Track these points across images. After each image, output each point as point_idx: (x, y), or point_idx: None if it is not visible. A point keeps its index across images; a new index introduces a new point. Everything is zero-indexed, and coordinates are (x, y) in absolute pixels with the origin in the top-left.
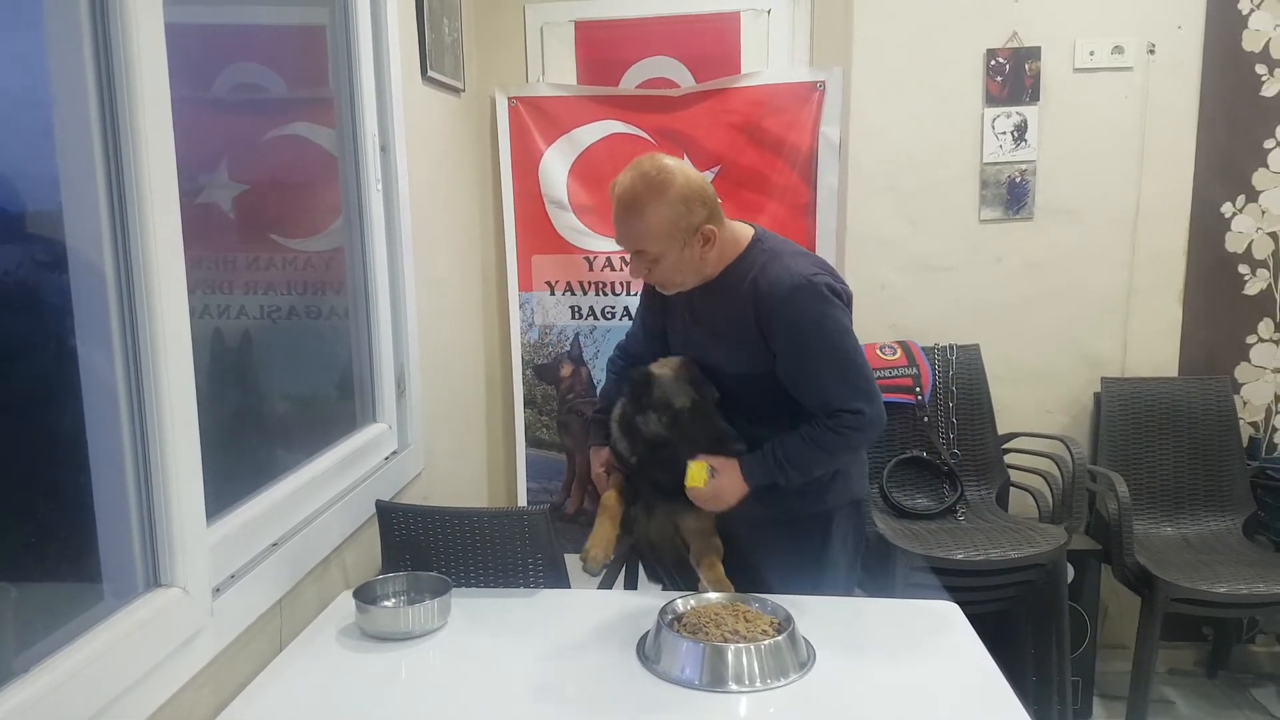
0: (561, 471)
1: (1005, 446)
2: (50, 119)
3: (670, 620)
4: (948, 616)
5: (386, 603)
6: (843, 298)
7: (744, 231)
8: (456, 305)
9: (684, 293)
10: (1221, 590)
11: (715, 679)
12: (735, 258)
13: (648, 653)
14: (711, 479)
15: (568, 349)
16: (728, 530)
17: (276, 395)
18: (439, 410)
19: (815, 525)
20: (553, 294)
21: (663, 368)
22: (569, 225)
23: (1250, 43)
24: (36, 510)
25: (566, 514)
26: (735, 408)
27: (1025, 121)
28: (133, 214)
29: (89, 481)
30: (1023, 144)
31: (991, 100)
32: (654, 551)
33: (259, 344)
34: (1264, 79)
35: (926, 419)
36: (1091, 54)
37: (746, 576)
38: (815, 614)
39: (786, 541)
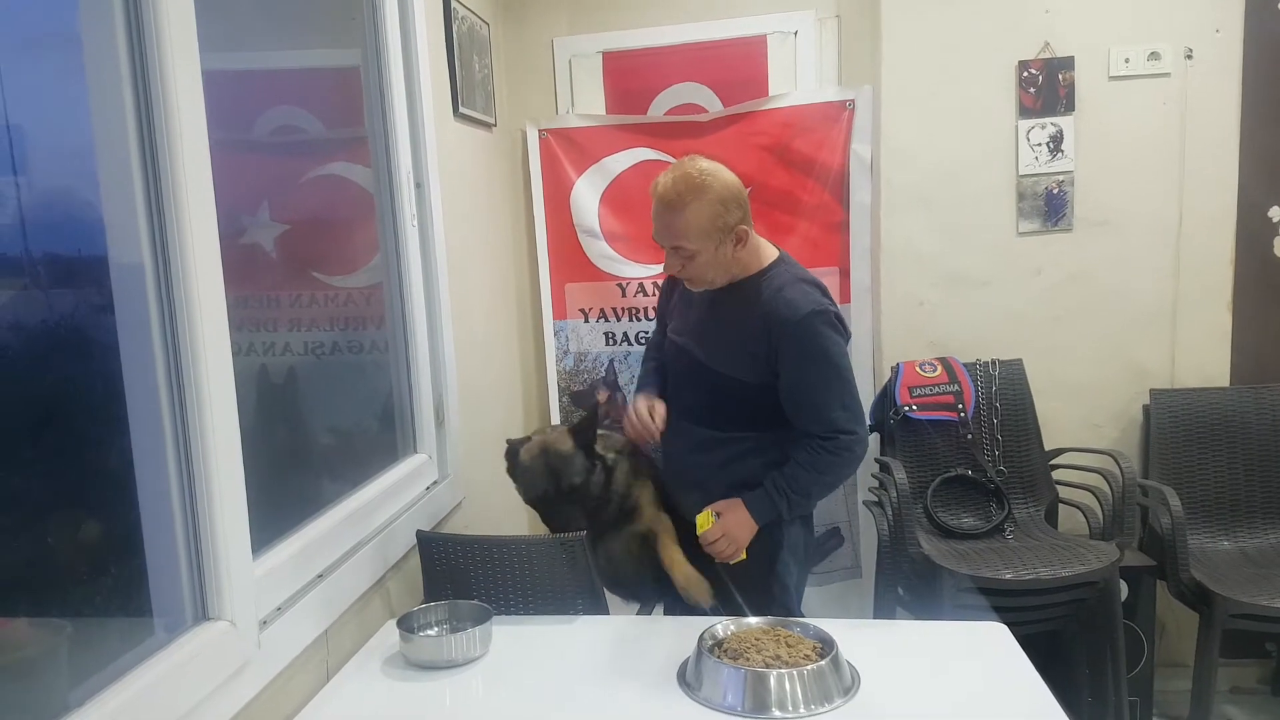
0: None
1: (1053, 463)
2: (94, 166)
3: (710, 646)
4: (996, 638)
5: (429, 631)
6: (845, 331)
7: (770, 249)
8: (492, 335)
9: (704, 293)
10: None
11: (758, 705)
12: (759, 269)
13: (689, 679)
14: (717, 521)
15: (603, 375)
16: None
17: (320, 429)
18: (477, 440)
19: (766, 535)
20: (586, 321)
21: (527, 453)
22: (601, 253)
23: None
24: (88, 547)
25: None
26: (715, 410)
27: (1061, 132)
28: (174, 255)
29: (138, 518)
30: (1059, 155)
31: (1025, 112)
32: (613, 570)
33: (303, 379)
34: None
35: (970, 436)
36: (1127, 61)
37: (713, 576)
38: (858, 637)
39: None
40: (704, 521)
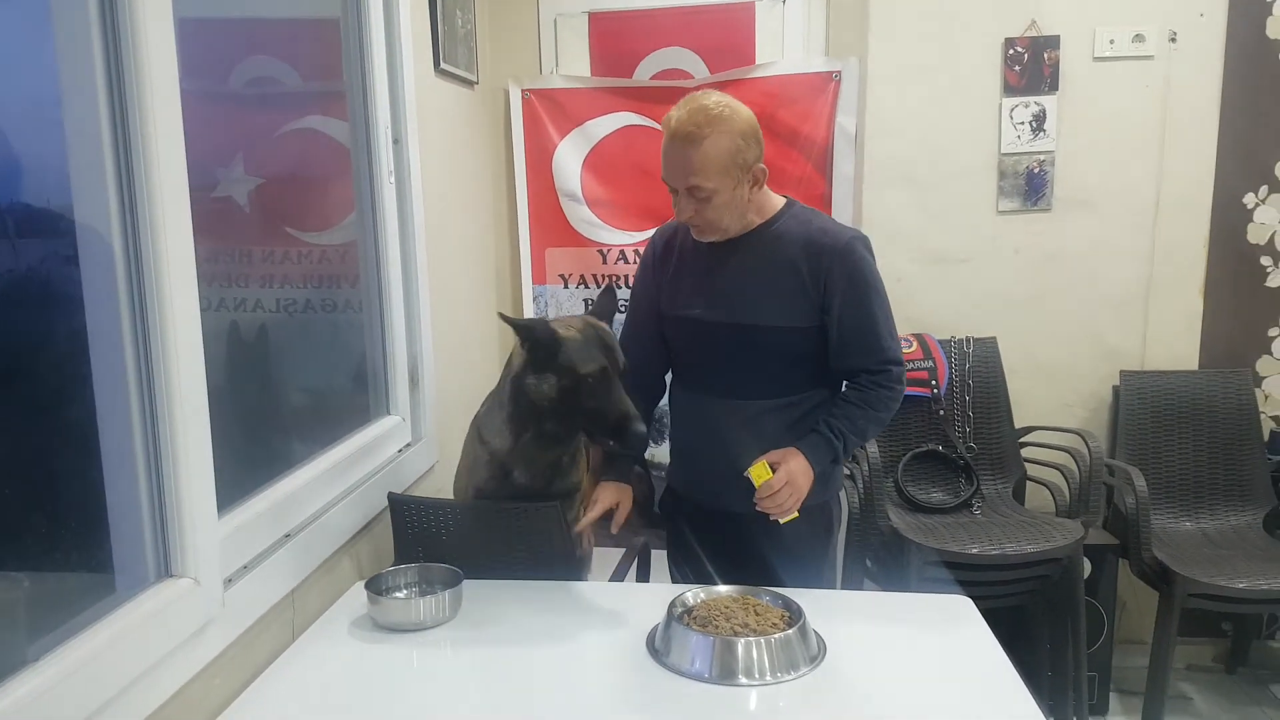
0: None
1: (1022, 440)
2: (60, 114)
3: (680, 613)
4: (961, 611)
5: (398, 594)
6: (873, 256)
7: (776, 194)
8: (470, 297)
9: (709, 249)
10: (1240, 586)
11: (725, 672)
12: (775, 212)
13: (658, 646)
14: (778, 471)
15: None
16: (738, 529)
17: (291, 388)
18: (453, 403)
19: (820, 515)
20: (566, 287)
21: (569, 329)
22: (582, 218)
23: (1275, 30)
24: (49, 501)
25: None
26: (754, 373)
27: (1044, 111)
28: (143, 207)
29: (100, 473)
30: (1041, 134)
31: (1010, 90)
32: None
33: (275, 337)
34: None
35: (942, 412)
36: (1112, 43)
37: (760, 572)
38: (827, 607)
39: (796, 534)
40: (762, 473)
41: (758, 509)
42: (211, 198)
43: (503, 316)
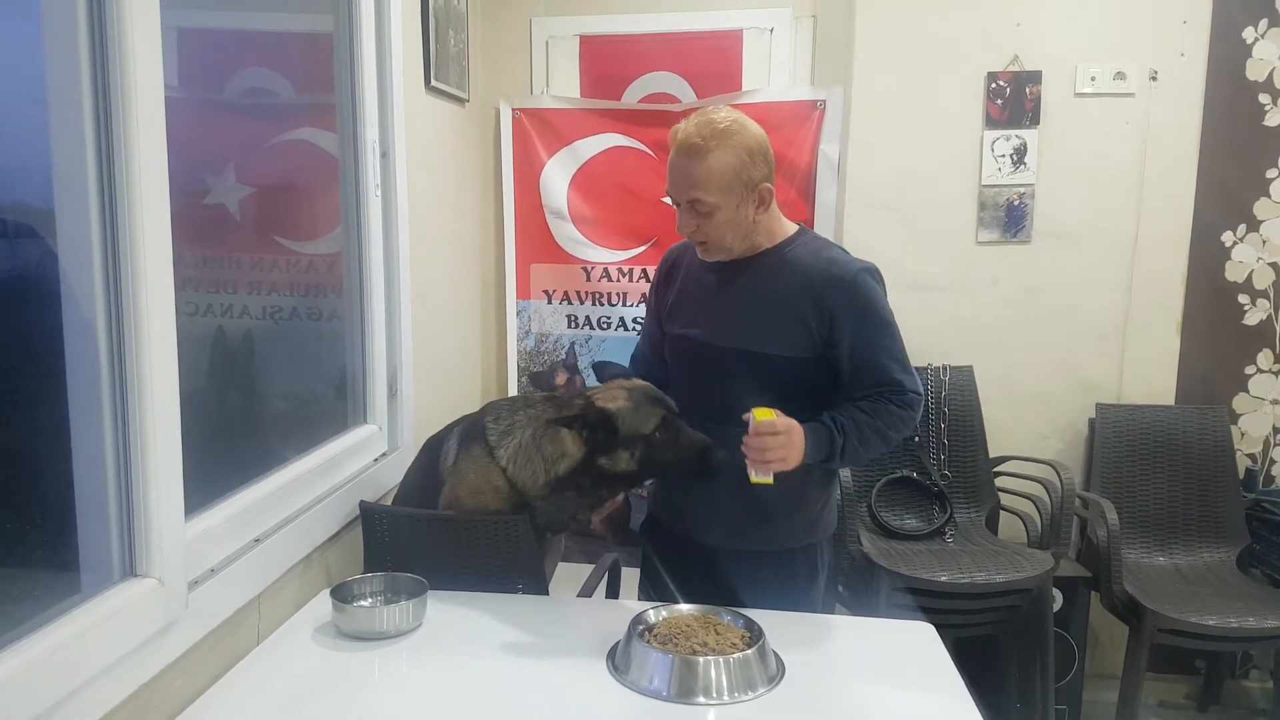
0: None
1: (996, 470)
2: (45, 115)
3: (641, 631)
4: (922, 637)
5: (363, 602)
6: (884, 284)
7: (789, 222)
8: (454, 310)
9: (717, 270)
10: (1211, 622)
11: (684, 690)
12: (785, 237)
13: (618, 663)
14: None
15: (563, 357)
16: (717, 564)
17: (271, 394)
18: (432, 415)
19: (804, 558)
20: (550, 302)
21: (615, 400)
22: (568, 235)
23: (1254, 72)
24: (16, 497)
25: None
26: (741, 395)
27: (1025, 144)
28: (122, 211)
29: (70, 472)
30: (1022, 167)
31: (991, 123)
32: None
33: (259, 343)
34: (1267, 108)
35: (917, 439)
36: (1093, 79)
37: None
38: (789, 629)
39: (776, 576)
40: (767, 413)
41: (744, 449)
42: (202, 204)
43: (552, 422)
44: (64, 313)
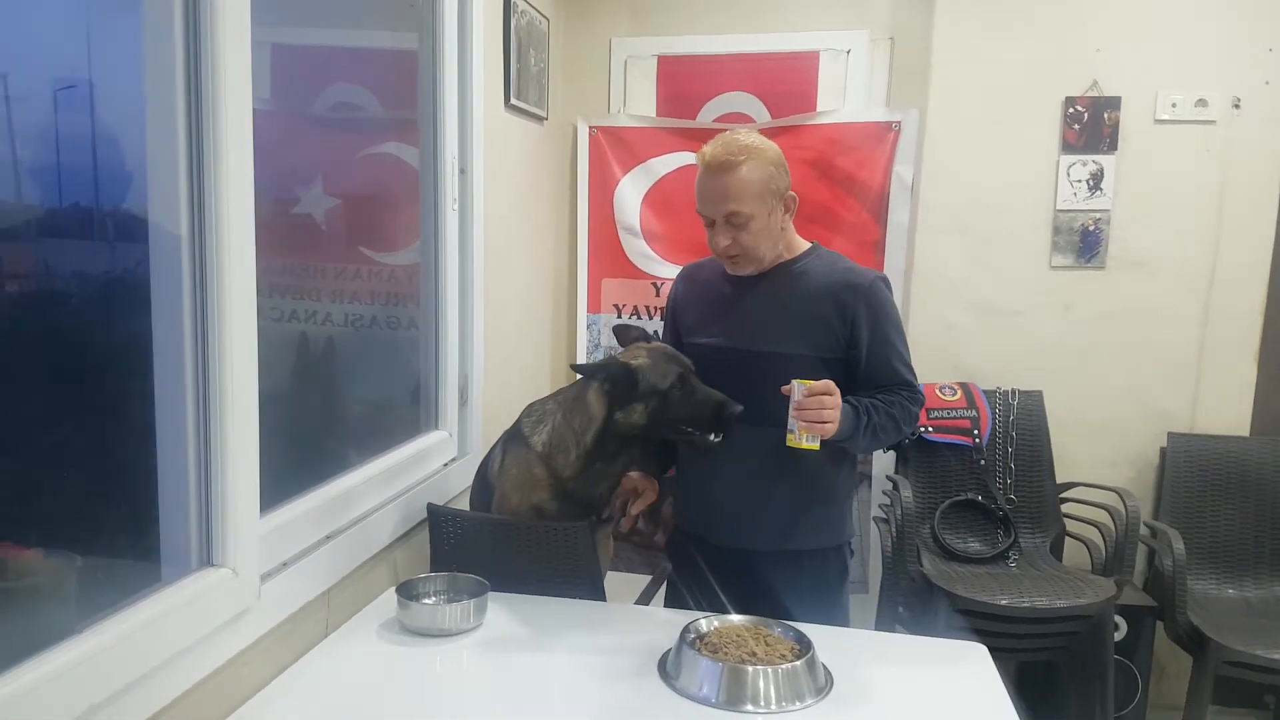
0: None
1: (1063, 495)
2: (143, 125)
3: (692, 639)
4: (973, 657)
5: (427, 600)
6: None
7: (801, 238)
8: (526, 322)
9: (733, 283)
10: (1277, 656)
11: (732, 699)
12: (802, 250)
13: (669, 669)
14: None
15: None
16: (750, 564)
17: (348, 397)
18: (502, 424)
19: (835, 557)
20: (619, 316)
21: (636, 357)
22: (639, 251)
23: None
24: (105, 489)
25: (620, 532)
26: (765, 398)
27: (1101, 170)
28: (210, 218)
29: (155, 467)
30: (1098, 193)
31: (1068, 148)
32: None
33: (339, 349)
34: None
35: (983, 462)
36: (1174, 106)
37: (770, 613)
38: (840, 644)
39: (810, 575)
40: (808, 382)
41: (794, 416)
42: (291, 214)
43: (574, 367)
44: (154, 316)
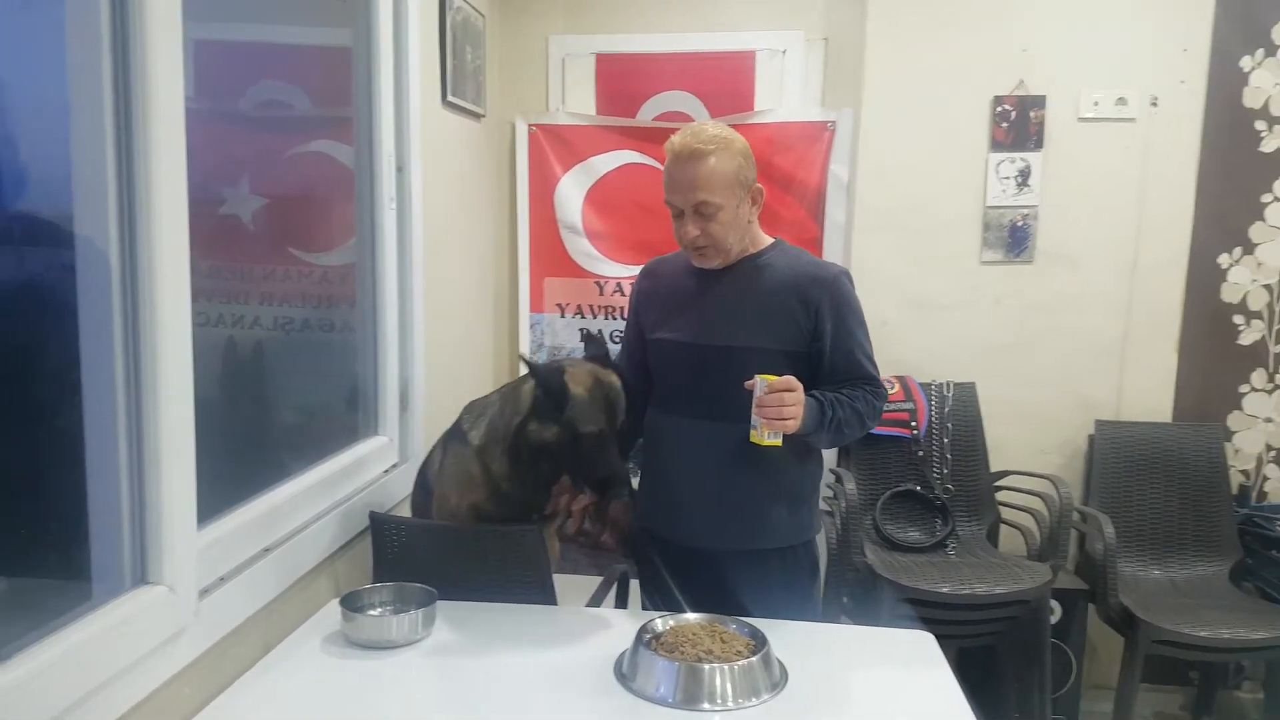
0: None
1: (997, 484)
2: (67, 124)
3: (648, 639)
4: (923, 646)
5: (372, 611)
6: None
7: (764, 234)
8: (467, 323)
9: (696, 277)
10: (1203, 634)
11: (689, 697)
12: (761, 247)
13: (625, 671)
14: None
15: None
16: (722, 569)
17: (282, 404)
18: (443, 426)
19: (804, 554)
20: (563, 316)
21: (579, 384)
22: (582, 250)
23: (1251, 99)
24: (31, 506)
25: (567, 534)
26: (730, 393)
27: (1029, 167)
28: (141, 220)
29: (85, 481)
30: (1025, 189)
31: (996, 145)
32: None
33: (270, 354)
34: (1263, 135)
35: (921, 453)
36: (1096, 104)
37: (742, 611)
38: (793, 638)
39: (781, 572)
40: (771, 377)
41: (756, 413)
42: (217, 215)
43: (524, 360)
44: (81, 321)
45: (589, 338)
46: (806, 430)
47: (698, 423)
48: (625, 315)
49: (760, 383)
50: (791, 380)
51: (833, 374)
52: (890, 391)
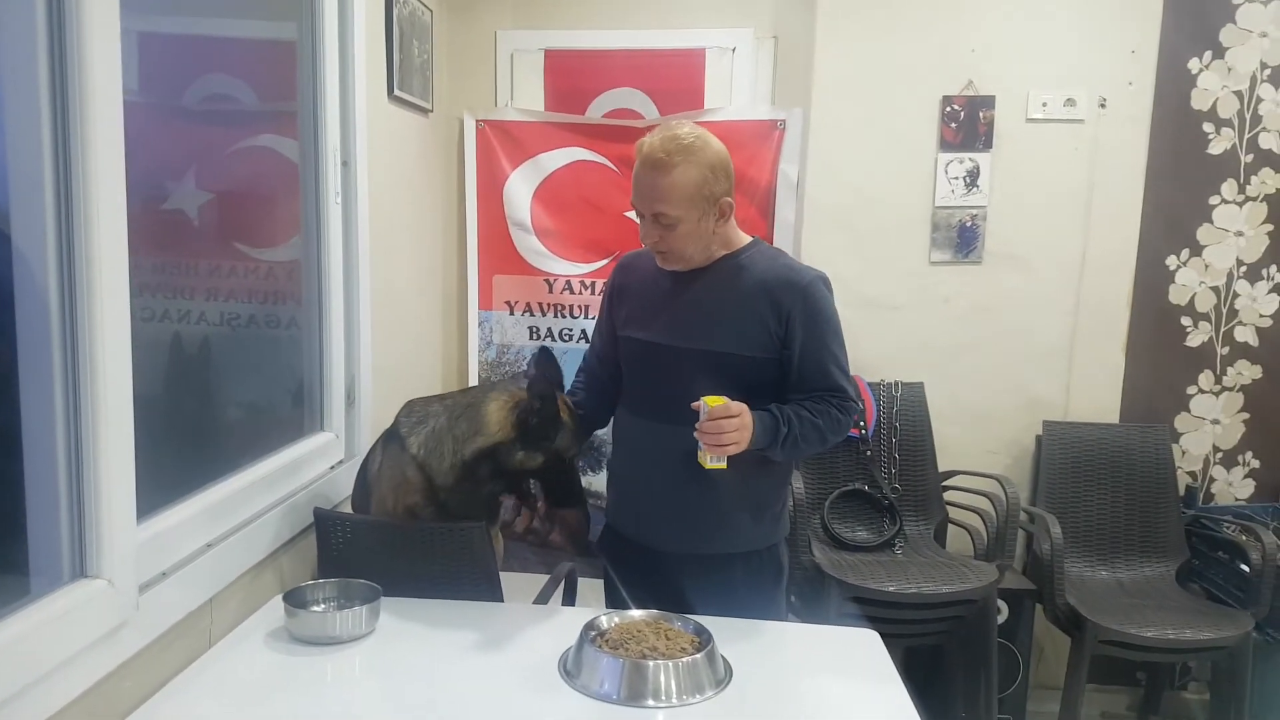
0: None
1: (945, 484)
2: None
3: (593, 636)
4: (867, 644)
5: (316, 607)
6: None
7: (743, 233)
8: (415, 319)
9: (671, 277)
10: (1149, 634)
11: (633, 694)
12: (741, 245)
13: (569, 668)
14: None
15: (524, 368)
16: (684, 571)
17: (228, 400)
18: (389, 422)
19: (769, 559)
20: (512, 314)
21: (564, 411)
22: (531, 247)
23: (1199, 101)
24: None
25: (515, 532)
26: (699, 396)
27: (978, 167)
28: (78, 212)
29: (20, 473)
30: (974, 189)
31: (946, 145)
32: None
33: (215, 350)
34: (1211, 137)
35: (869, 453)
36: (1044, 105)
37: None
38: (738, 635)
39: (746, 578)
40: (718, 400)
41: (696, 435)
42: (161, 210)
43: (528, 371)
44: (17, 313)
45: (542, 360)
46: (759, 445)
47: (663, 426)
48: (574, 313)
49: (703, 407)
50: (732, 407)
51: (801, 383)
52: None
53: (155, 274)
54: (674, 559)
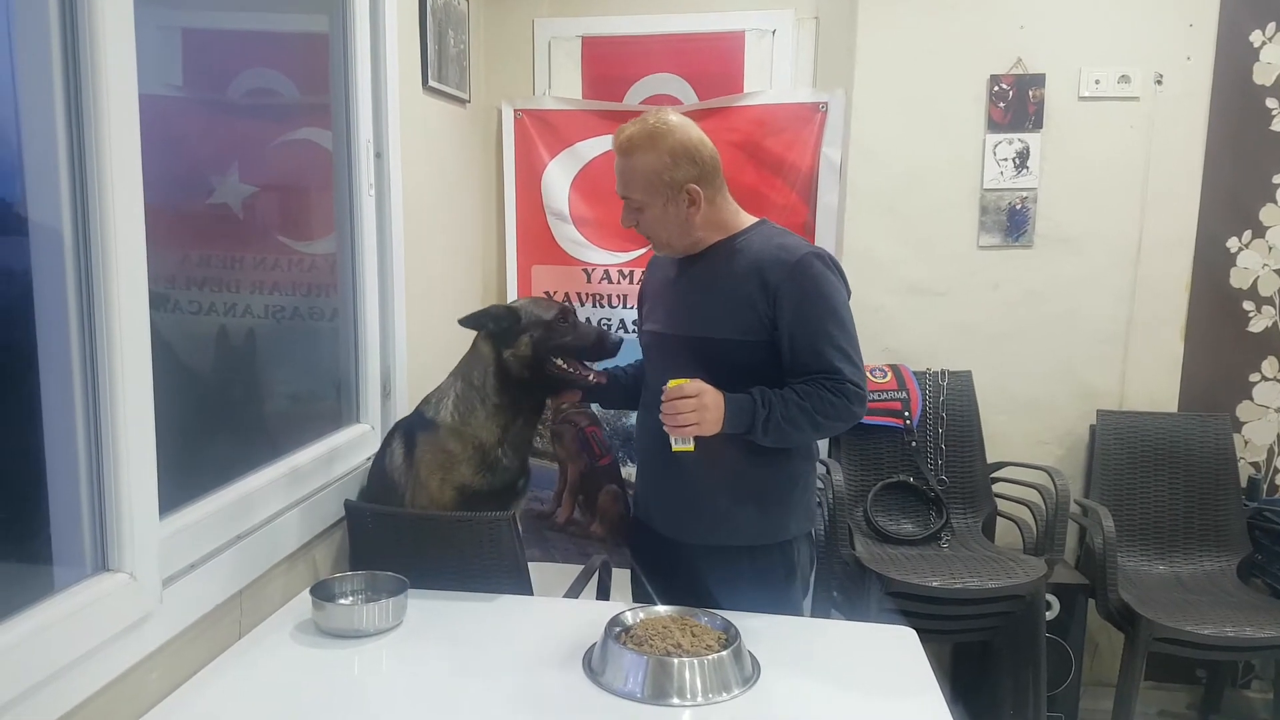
0: (553, 481)
1: (994, 475)
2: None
3: (617, 632)
4: (904, 642)
5: (343, 600)
6: (843, 275)
7: (748, 215)
8: (452, 311)
9: (678, 264)
10: (1207, 631)
11: (658, 692)
12: (740, 229)
13: (593, 665)
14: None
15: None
16: (693, 562)
17: (269, 392)
18: None
19: (779, 555)
20: None
21: (514, 302)
22: (569, 237)
23: (1261, 76)
24: None
25: (556, 523)
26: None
27: (1027, 148)
28: (94, 207)
29: (43, 467)
30: (1024, 171)
31: (994, 126)
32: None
33: (260, 343)
34: (1274, 113)
35: (914, 444)
36: (1097, 83)
37: (711, 604)
38: (769, 632)
39: (751, 571)
40: (680, 381)
41: (660, 416)
42: (206, 204)
43: (461, 321)
44: (36, 309)
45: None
46: (733, 430)
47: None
48: (612, 303)
49: (666, 389)
50: (688, 387)
51: (796, 366)
52: (882, 380)
53: (202, 268)
54: (685, 549)
